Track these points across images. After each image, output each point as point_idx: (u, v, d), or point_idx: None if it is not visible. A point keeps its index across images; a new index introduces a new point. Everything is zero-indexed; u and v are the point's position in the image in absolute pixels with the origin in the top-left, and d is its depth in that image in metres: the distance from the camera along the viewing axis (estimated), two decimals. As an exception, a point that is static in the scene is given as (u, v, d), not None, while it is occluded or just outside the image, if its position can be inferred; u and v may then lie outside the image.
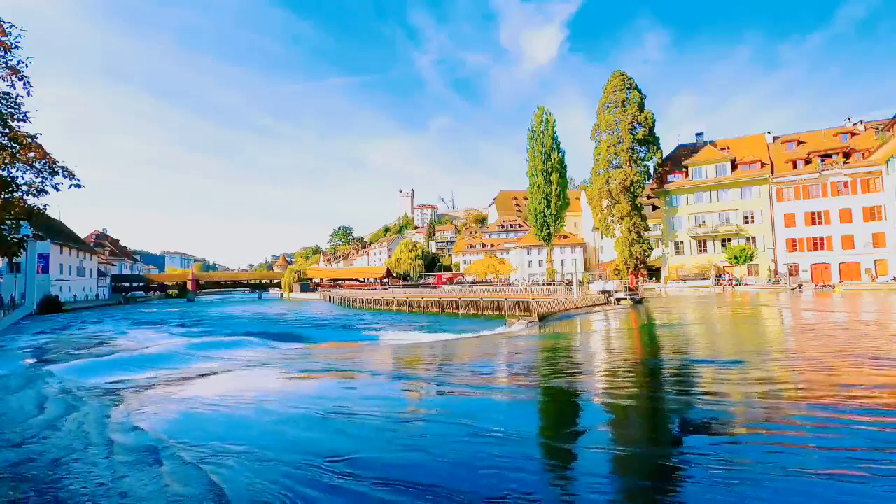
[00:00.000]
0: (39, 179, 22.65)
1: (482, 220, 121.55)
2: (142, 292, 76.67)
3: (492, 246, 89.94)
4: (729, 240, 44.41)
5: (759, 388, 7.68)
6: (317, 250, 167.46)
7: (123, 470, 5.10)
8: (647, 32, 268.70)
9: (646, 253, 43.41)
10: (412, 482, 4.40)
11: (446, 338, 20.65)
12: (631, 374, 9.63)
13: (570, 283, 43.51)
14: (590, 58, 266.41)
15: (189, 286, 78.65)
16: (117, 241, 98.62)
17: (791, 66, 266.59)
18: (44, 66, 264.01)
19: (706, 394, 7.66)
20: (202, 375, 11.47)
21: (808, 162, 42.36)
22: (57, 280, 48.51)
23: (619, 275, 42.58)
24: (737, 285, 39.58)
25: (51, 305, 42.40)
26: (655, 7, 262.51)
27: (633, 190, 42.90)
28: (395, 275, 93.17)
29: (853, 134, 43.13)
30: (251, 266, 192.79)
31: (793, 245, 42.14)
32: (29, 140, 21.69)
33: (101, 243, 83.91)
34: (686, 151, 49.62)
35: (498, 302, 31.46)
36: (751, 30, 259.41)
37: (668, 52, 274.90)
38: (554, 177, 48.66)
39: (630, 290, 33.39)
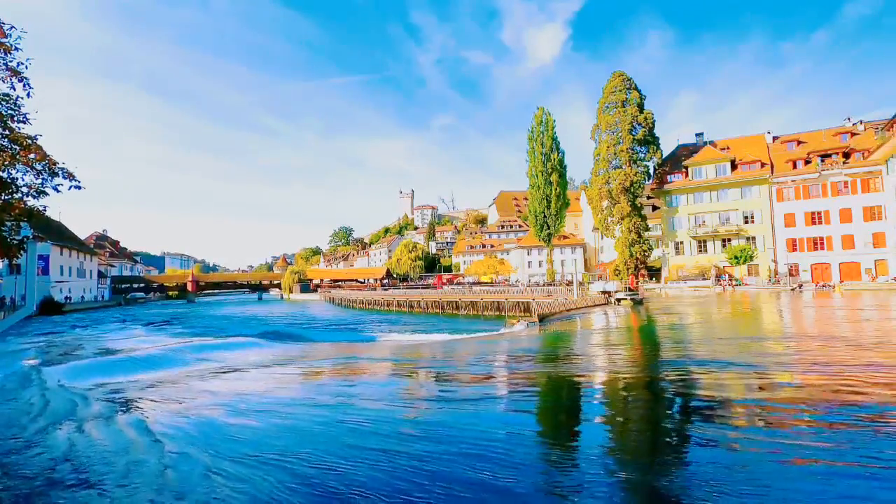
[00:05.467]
0: (39, 181, 22.59)
1: (482, 221, 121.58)
2: (142, 293, 76.70)
3: (492, 246, 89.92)
4: (729, 240, 44.41)
5: (762, 393, 7.66)
6: (317, 251, 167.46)
7: (121, 469, 5.09)
8: (651, 31, 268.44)
9: (646, 253, 43.43)
10: (406, 494, 4.34)
11: (446, 338, 20.61)
12: (630, 375, 9.61)
13: (570, 283, 43.48)
14: (592, 56, 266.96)
15: (189, 287, 78.67)
16: (117, 242, 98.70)
17: (793, 65, 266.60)
18: (44, 66, 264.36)
19: (706, 396, 7.65)
20: (200, 376, 11.45)
21: (808, 162, 42.37)
22: (57, 281, 48.53)
23: (620, 275, 42.59)
24: (737, 285, 39.55)
25: (51, 307, 42.45)
26: (659, 5, 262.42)
27: (632, 190, 42.94)
28: (395, 275, 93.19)
29: (853, 134, 43.13)
30: (251, 267, 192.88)
31: (793, 245, 42.14)
32: (29, 142, 21.65)
33: (102, 245, 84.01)
34: (686, 151, 49.63)
35: (498, 302, 31.44)
36: (755, 28, 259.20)
37: (670, 51, 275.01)
38: (554, 177, 48.67)
39: (630, 290, 33.37)
